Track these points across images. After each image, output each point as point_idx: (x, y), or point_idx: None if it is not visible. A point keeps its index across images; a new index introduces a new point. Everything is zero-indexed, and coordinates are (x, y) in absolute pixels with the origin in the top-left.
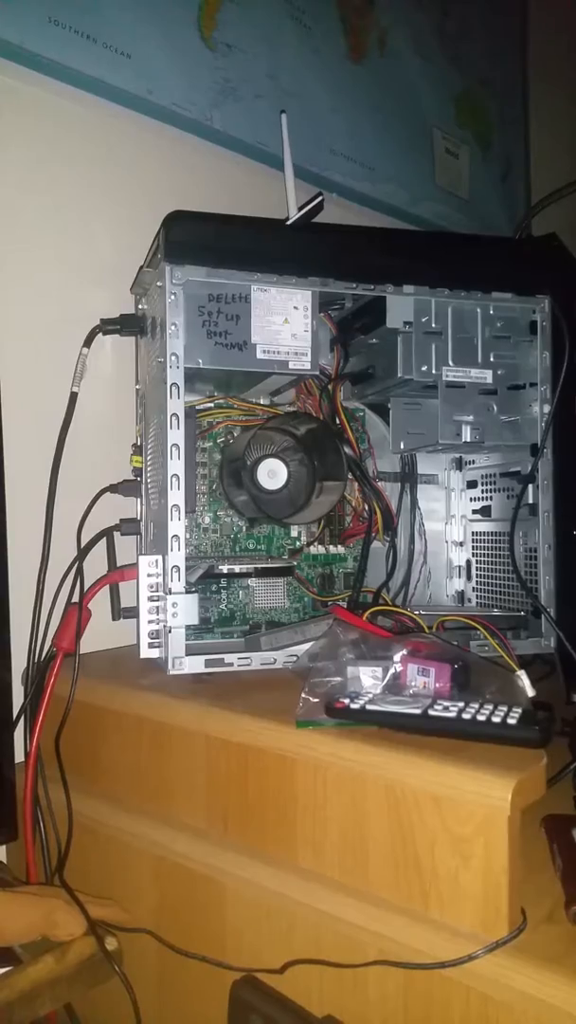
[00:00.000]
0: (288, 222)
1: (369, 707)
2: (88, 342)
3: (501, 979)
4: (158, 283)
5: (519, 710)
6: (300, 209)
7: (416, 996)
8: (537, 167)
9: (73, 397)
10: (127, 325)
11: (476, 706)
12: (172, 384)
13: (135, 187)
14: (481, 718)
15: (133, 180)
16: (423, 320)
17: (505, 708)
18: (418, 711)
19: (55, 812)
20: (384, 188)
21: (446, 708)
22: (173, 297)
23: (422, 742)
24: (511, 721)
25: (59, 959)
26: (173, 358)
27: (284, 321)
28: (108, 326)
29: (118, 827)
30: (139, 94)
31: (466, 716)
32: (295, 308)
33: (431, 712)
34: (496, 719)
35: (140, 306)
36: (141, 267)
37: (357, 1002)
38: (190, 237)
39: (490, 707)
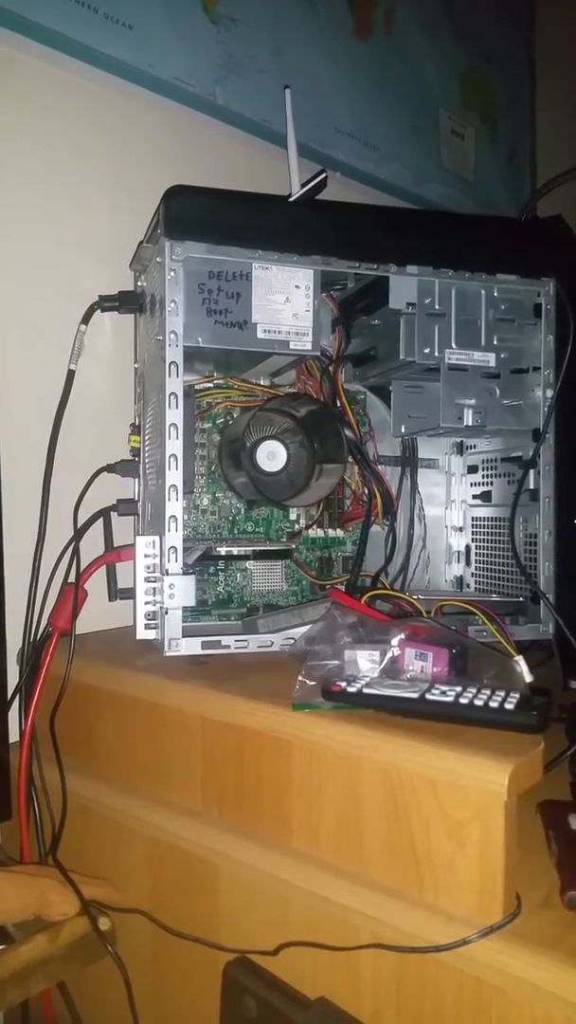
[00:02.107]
0: (291, 199)
1: (366, 690)
2: (86, 319)
3: (495, 964)
4: (157, 259)
5: (517, 695)
6: (303, 186)
7: (409, 979)
8: (542, 149)
9: (70, 375)
10: (126, 302)
11: (474, 691)
12: (171, 363)
13: (135, 162)
14: (479, 703)
15: (133, 155)
16: (426, 301)
17: (503, 693)
18: (415, 695)
19: (49, 792)
20: (388, 168)
21: (443, 692)
22: (173, 274)
23: (419, 726)
24: (508, 706)
25: (52, 938)
26: (172, 336)
27: (285, 300)
28: (106, 303)
29: (113, 807)
30: (140, 67)
31: (463, 701)
32: (297, 287)
33: (428, 696)
34: (494, 704)
35: (139, 283)
36: (140, 243)
37: (350, 985)
38: (191, 212)
39: (487, 692)
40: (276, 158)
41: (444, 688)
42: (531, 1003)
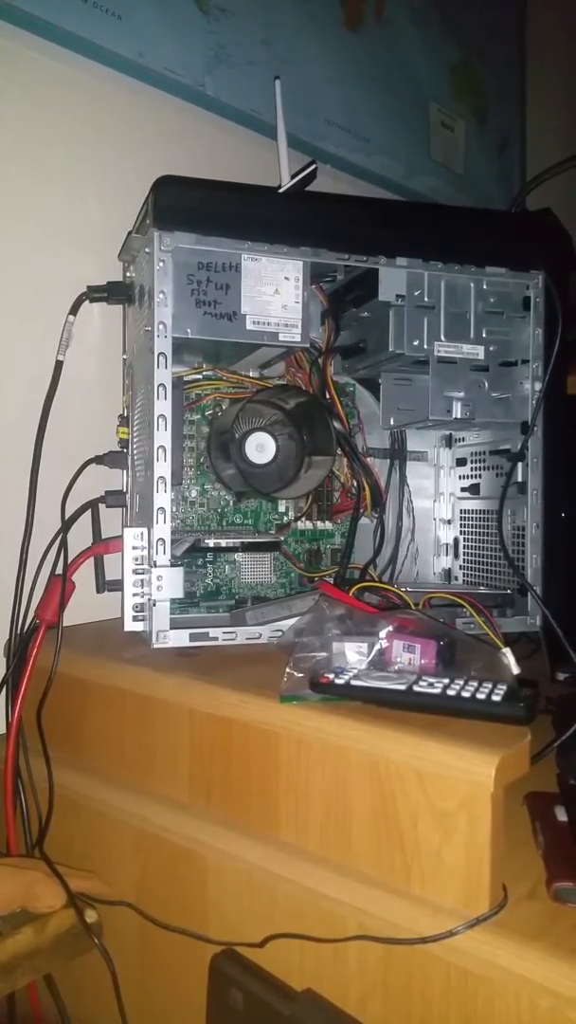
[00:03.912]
0: (281, 190)
1: (354, 682)
2: (74, 310)
3: (481, 955)
4: (146, 250)
5: (504, 687)
6: (293, 177)
7: (396, 970)
8: (533, 141)
9: (58, 366)
10: (114, 293)
11: (461, 682)
12: (160, 354)
13: (124, 152)
14: (466, 694)
15: (122, 145)
16: (416, 294)
17: (490, 685)
18: (403, 687)
19: (36, 784)
20: (378, 160)
21: (431, 684)
22: (162, 264)
23: (406, 718)
24: (496, 698)
25: (38, 931)
26: (161, 327)
27: (275, 291)
28: (95, 293)
29: (100, 799)
30: (130, 57)
31: (451, 692)
32: (286, 278)
33: (416, 688)
34: (481, 696)
35: (128, 273)
36: (129, 233)
37: (337, 976)
38: (180, 202)
39: (475, 684)
40: (266, 149)
41: (432, 680)
42: (517, 993)
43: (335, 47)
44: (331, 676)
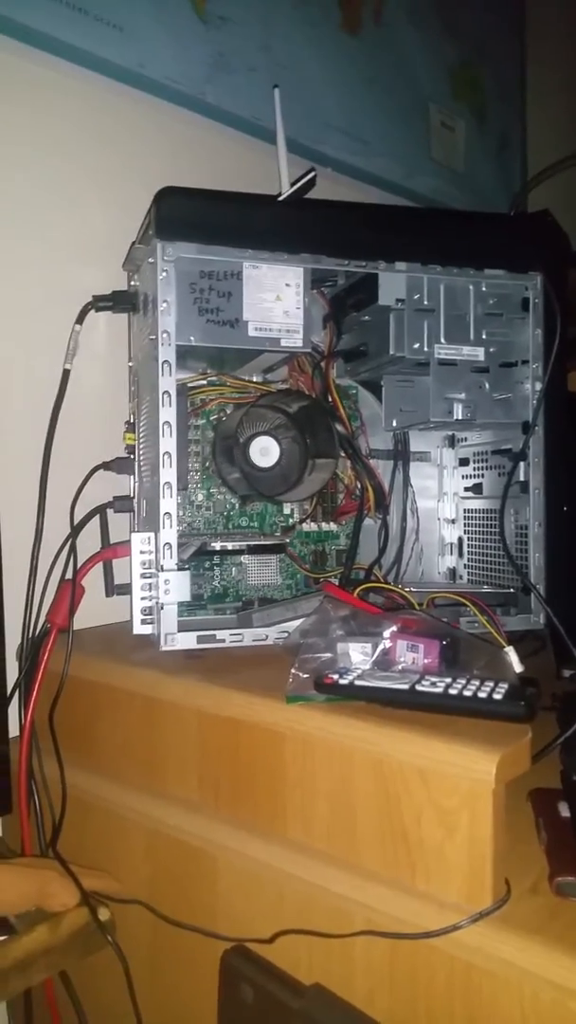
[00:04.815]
0: (280, 198)
1: (358, 683)
2: (80, 319)
3: (485, 948)
4: (150, 260)
5: (505, 685)
6: (292, 185)
7: (402, 965)
8: (533, 141)
9: (66, 374)
10: (119, 302)
11: (463, 681)
12: (164, 362)
13: (127, 162)
14: (468, 693)
15: (125, 155)
16: (415, 297)
17: (492, 683)
18: (406, 686)
19: (49, 785)
20: (378, 162)
21: (433, 683)
22: (165, 274)
23: (410, 717)
24: (497, 696)
25: (53, 929)
26: (165, 335)
27: (276, 298)
28: (100, 303)
29: (111, 800)
30: (131, 67)
31: (453, 691)
32: (287, 285)
33: (419, 687)
34: (483, 694)
35: (132, 283)
36: (133, 243)
37: (344, 971)
38: (182, 213)
39: (477, 683)
40: (267, 155)
41: (434, 679)
42: (520, 986)
43: (334, 50)
44: (336, 676)
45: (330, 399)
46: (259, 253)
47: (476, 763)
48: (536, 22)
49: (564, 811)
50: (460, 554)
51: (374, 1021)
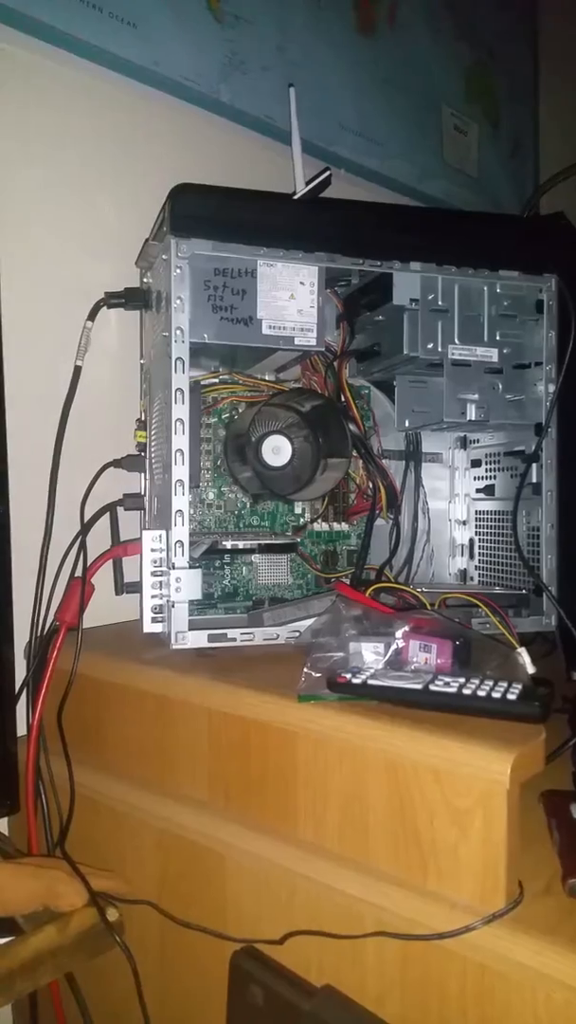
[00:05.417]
0: (295, 197)
1: (371, 682)
2: (92, 315)
3: (498, 950)
4: (163, 256)
5: (519, 686)
6: (307, 184)
7: (413, 966)
8: (545, 145)
9: (77, 371)
10: (132, 299)
11: (477, 682)
12: (177, 359)
13: (141, 159)
14: (482, 693)
15: (139, 152)
16: (429, 297)
17: (505, 684)
18: (419, 686)
19: (57, 785)
20: (392, 164)
21: (447, 683)
22: (179, 271)
23: (423, 716)
24: (511, 697)
25: (61, 929)
26: (178, 332)
27: (290, 296)
28: (112, 299)
29: (120, 799)
30: (145, 65)
31: (467, 691)
32: (301, 283)
33: (432, 687)
34: (496, 695)
35: (145, 279)
36: (147, 240)
37: (355, 972)
38: (196, 210)
39: (490, 683)
40: (281, 155)
41: (448, 679)
42: (533, 988)
43: (349, 51)
44: (348, 676)
45: (343, 399)
46: (274, 251)
47: (491, 763)
48: (548, 25)
49: None
50: (471, 556)
51: (385, 1023)
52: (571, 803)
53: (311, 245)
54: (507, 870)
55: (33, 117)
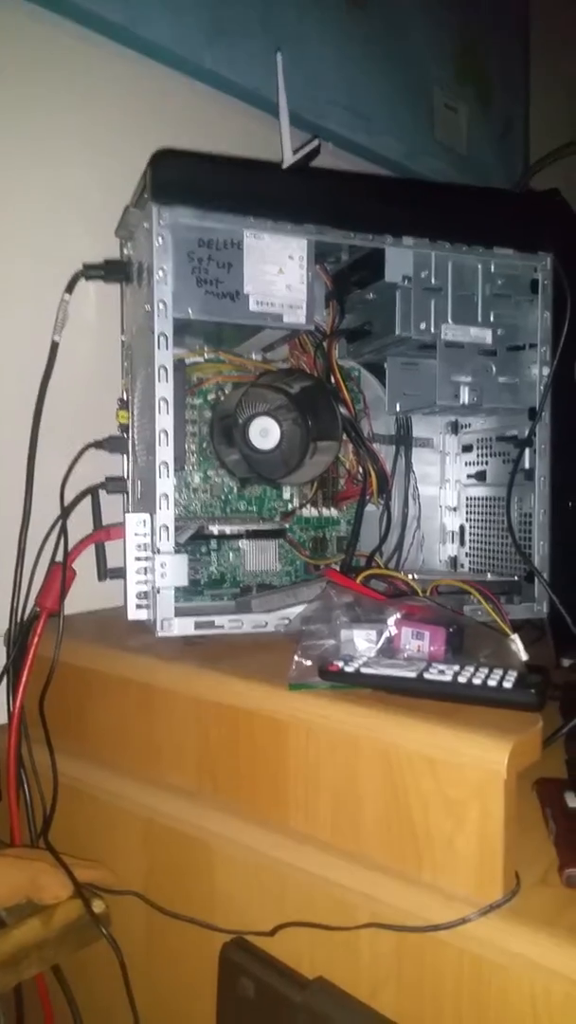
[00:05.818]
0: (284, 165)
1: (364, 670)
2: (70, 288)
3: (494, 941)
4: (144, 225)
5: (514, 674)
6: (296, 152)
7: (409, 958)
8: (535, 126)
9: (54, 347)
10: (111, 271)
11: (472, 669)
12: (160, 334)
13: (121, 125)
14: (477, 681)
15: (119, 117)
16: (423, 275)
17: (500, 672)
18: (413, 674)
19: (40, 774)
20: (381, 140)
21: (441, 671)
22: (161, 240)
23: (416, 705)
24: (507, 684)
25: (45, 922)
26: (161, 305)
27: (279, 271)
28: (91, 271)
29: (105, 789)
30: (129, 27)
31: (461, 679)
32: (290, 257)
33: (426, 675)
34: (492, 682)
35: (125, 251)
36: (127, 207)
37: (349, 964)
38: (180, 176)
39: (485, 671)
40: (267, 125)
41: (442, 667)
42: (531, 980)
43: (339, 23)
44: (340, 664)
45: (333, 380)
46: (261, 222)
47: (488, 752)
48: (540, 5)
49: (572, 801)
50: (462, 543)
51: (379, 1015)
52: (566, 791)
53: (300, 216)
54: (504, 861)
55: (6, 78)
